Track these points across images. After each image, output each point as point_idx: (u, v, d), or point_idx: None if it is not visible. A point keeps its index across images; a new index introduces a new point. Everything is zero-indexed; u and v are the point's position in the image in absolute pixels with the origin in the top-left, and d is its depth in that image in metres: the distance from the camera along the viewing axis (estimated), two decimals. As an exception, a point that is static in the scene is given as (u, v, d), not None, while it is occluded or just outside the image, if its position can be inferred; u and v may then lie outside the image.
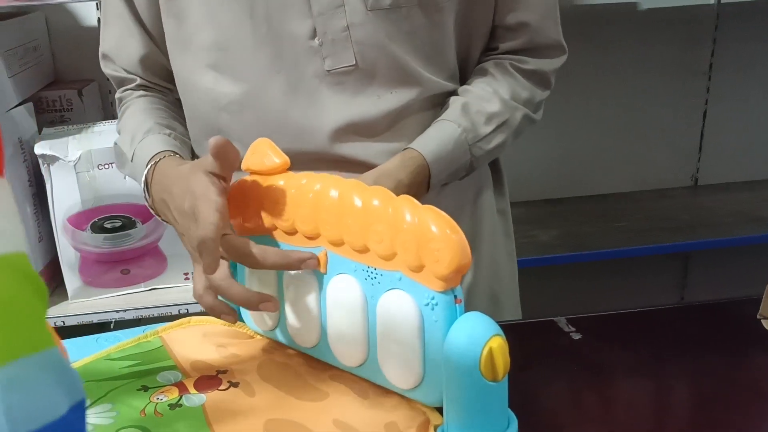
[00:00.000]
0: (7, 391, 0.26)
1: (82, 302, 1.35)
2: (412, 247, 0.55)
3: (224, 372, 0.67)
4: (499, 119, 0.85)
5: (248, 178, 0.68)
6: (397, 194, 0.75)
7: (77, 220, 1.30)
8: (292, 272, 0.66)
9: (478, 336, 0.52)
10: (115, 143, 0.90)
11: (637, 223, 1.71)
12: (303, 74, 0.80)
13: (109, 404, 0.62)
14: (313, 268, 0.64)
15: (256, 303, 0.64)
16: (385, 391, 0.62)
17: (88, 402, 0.62)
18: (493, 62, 0.89)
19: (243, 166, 0.68)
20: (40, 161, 1.28)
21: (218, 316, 0.69)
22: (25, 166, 1.34)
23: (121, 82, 0.93)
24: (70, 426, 0.28)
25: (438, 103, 0.86)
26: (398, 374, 0.59)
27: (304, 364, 0.68)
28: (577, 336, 0.76)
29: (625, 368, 0.72)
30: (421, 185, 0.81)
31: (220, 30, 0.80)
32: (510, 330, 0.56)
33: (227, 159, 0.66)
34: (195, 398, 0.63)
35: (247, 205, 0.68)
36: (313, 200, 0.62)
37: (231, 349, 0.71)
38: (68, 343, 0.73)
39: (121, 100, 0.94)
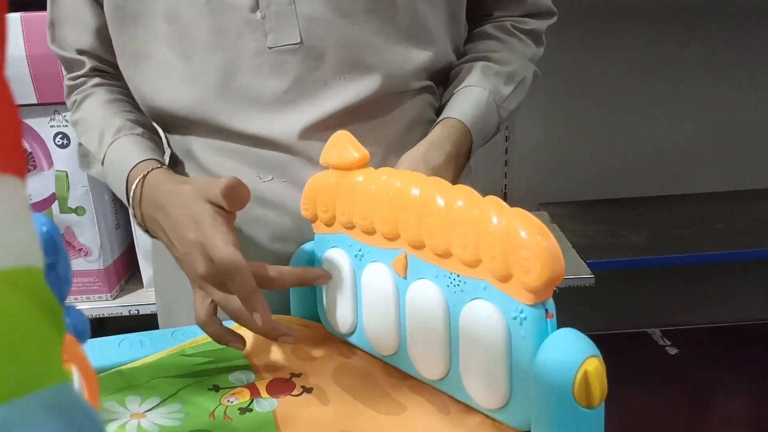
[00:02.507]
0: None
1: (157, 291, 1.35)
2: (498, 254, 0.50)
3: (298, 375, 0.64)
4: (518, 77, 0.84)
5: (326, 172, 0.66)
6: (447, 167, 0.74)
7: (155, 208, 1.30)
8: (371, 276, 0.63)
9: (572, 357, 0.48)
10: (80, 144, 0.84)
11: (736, 225, 1.59)
12: (242, 52, 0.73)
13: (179, 404, 0.60)
14: (323, 284, 0.66)
15: (275, 334, 0.64)
16: (467, 408, 0.58)
17: (158, 400, 0.61)
18: (492, 25, 0.87)
19: (321, 160, 0.66)
20: (120, 148, 1.28)
21: (226, 344, 0.67)
22: (105, 152, 1.34)
23: (71, 65, 0.86)
24: None
25: (405, 101, 0.79)
26: (482, 392, 0.55)
27: (383, 372, 0.65)
28: (673, 351, 0.70)
29: (728, 389, 0.66)
30: (466, 155, 0.79)
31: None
32: (599, 341, 0.51)
33: (237, 201, 0.64)
34: (266, 403, 0.60)
35: (324, 201, 0.65)
36: (393, 198, 0.59)
37: (307, 351, 0.68)
38: (145, 336, 0.73)
39: (72, 88, 0.86)
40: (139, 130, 0.80)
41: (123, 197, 0.78)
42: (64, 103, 1.20)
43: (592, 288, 1.31)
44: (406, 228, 0.58)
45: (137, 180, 0.73)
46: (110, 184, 0.80)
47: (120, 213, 1.37)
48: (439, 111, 0.82)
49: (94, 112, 0.82)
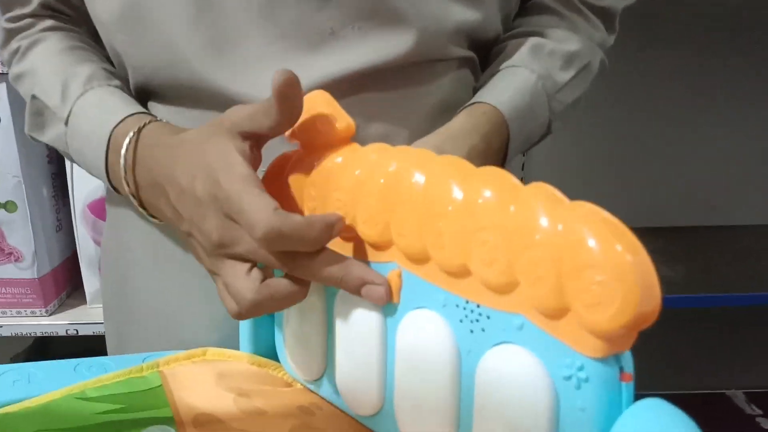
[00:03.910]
0: None
1: (101, 308, 1.18)
2: (548, 275, 0.33)
3: (238, 438, 0.49)
4: (580, 62, 0.67)
5: (293, 151, 0.50)
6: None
7: (98, 208, 1.15)
8: (348, 301, 0.47)
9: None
10: (33, 97, 0.65)
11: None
12: None
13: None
14: (375, 302, 0.44)
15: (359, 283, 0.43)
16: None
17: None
18: None
19: (287, 132, 0.49)
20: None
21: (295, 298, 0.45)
22: (43, 140, 1.20)
23: (11, 1, 0.69)
24: None
25: (440, 74, 0.63)
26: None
27: (357, 438, 0.49)
28: (766, 422, 0.52)
29: None
30: (499, 153, 0.61)
31: None
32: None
33: (290, 108, 0.45)
34: (188, 478, 0.44)
35: (289, 192, 0.49)
36: (385, 188, 0.42)
37: (255, 401, 0.53)
38: (37, 367, 0.59)
39: (13, 32, 0.69)
40: (117, 82, 0.64)
41: (98, 167, 0.60)
42: (-7, 73, 1.08)
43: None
44: (402, 232, 0.42)
45: (129, 136, 0.56)
46: (75, 152, 0.63)
47: (62, 212, 1.22)
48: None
49: (49, 60, 0.65)
